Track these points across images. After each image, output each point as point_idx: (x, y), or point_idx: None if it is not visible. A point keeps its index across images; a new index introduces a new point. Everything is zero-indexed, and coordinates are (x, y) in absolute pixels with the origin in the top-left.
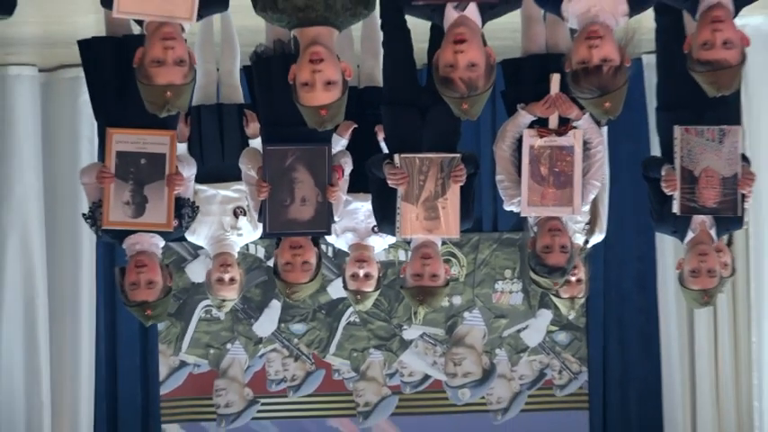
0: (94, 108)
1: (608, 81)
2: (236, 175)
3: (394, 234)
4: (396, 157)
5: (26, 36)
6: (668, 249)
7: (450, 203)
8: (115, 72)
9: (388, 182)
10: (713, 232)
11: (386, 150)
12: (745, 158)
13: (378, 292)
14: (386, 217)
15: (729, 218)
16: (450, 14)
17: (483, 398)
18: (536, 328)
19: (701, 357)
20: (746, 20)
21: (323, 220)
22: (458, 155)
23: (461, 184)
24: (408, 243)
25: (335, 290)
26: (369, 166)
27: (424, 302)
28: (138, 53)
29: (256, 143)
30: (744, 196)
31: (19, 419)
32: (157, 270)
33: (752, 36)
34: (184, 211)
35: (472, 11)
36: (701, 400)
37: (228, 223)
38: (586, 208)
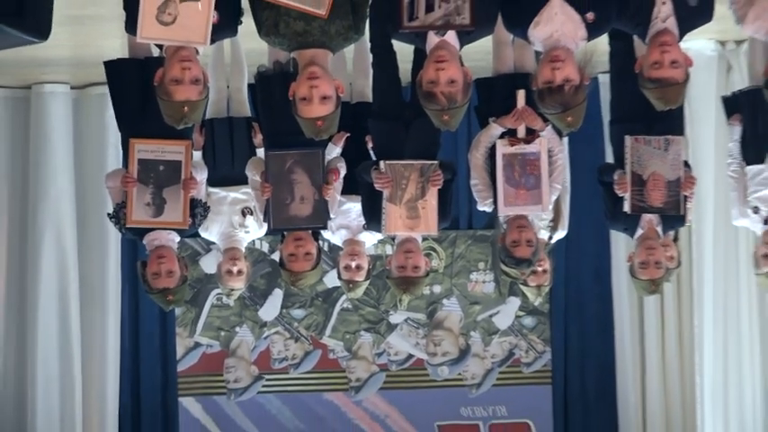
0: (118, 121)
1: (570, 98)
2: (244, 180)
3: (381, 231)
4: (381, 163)
5: (59, 57)
6: (621, 244)
7: (429, 204)
8: (137, 89)
9: (375, 185)
10: (660, 229)
11: (374, 157)
12: (687, 164)
13: (368, 282)
14: (374, 216)
15: (674, 216)
16: (432, 39)
17: (459, 374)
18: (506, 313)
19: (649, 339)
20: (689, 44)
21: (320, 215)
22: (435, 162)
23: (439, 187)
24: (394, 239)
25: (331, 280)
26: (358, 171)
27: (407, 291)
28: (158, 73)
29: (262, 152)
30: (686, 197)
31: (54, 393)
32: (175, 261)
33: (694, 58)
34: (197, 210)
35: (451, 36)
36: (649, 377)
37: (237, 222)
38: (550, 207)
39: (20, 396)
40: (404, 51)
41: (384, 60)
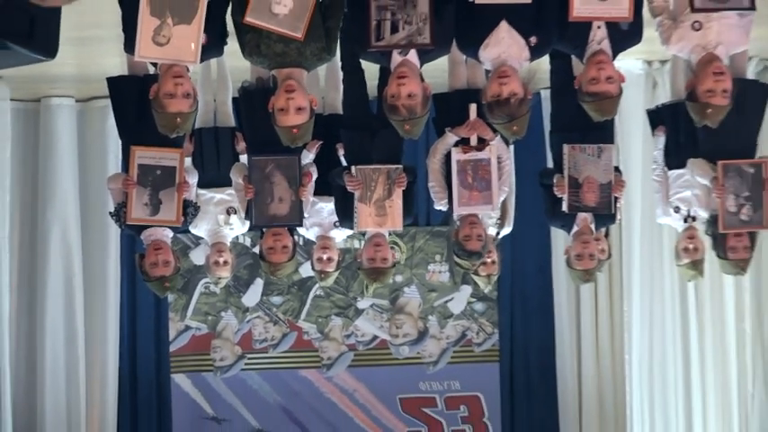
0: (119, 130)
1: (515, 110)
2: (229, 182)
3: (352, 228)
4: (353, 168)
5: (66, 74)
6: (560, 239)
7: (395, 203)
8: (135, 102)
9: (347, 187)
10: (593, 226)
11: (344, 163)
12: (617, 169)
13: (338, 272)
14: (346, 215)
15: (606, 215)
16: (395, 58)
17: (418, 353)
18: (459, 300)
19: (585, 322)
20: (621, 62)
21: (296, 214)
22: (400, 166)
23: (403, 188)
24: (363, 234)
25: (305, 270)
26: (332, 176)
27: (376, 280)
28: (153, 88)
29: (245, 158)
30: (617, 198)
31: (60, 371)
32: (170, 253)
33: (625, 75)
34: (189, 210)
35: (412, 55)
36: (584, 355)
37: (222, 220)
38: (498, 207)
39: (30, 374)
40: (371, 69)
41: (353, 77)
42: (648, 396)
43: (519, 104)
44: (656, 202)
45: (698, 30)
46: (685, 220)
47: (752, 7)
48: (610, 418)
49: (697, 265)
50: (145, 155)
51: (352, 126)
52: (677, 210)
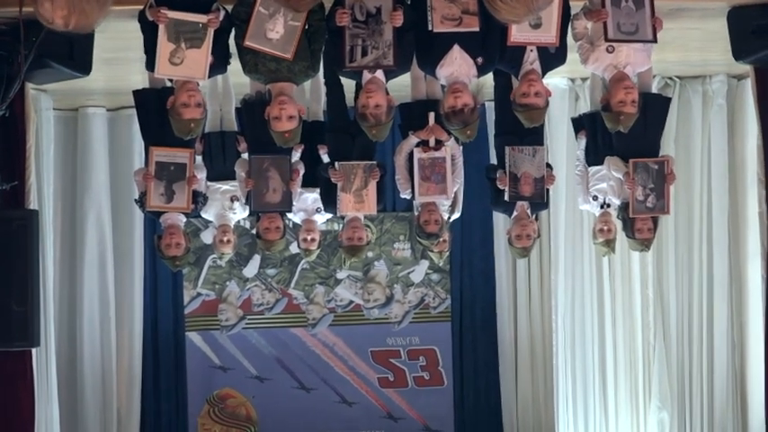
0: (142, 133)
1: (468, 118)
2: (233, 176)
3: (335, 213)
4: (336, 164)
5: (98, 88)
6: (500, 222)
7: (370, 193)
8: (155, 111)
9: (332, 179)
10: (529, 211)
11: (326, 160)
12: (549, 166)
13: (319, 250)
14: (330, 201)
15: (539, 203)
16: (366, 75)
17: (386, 315)
18: (419, 271)
19: (520, 288)
20: (549, 79)
21: (286, 203)
22: (375, 162)
23: (377, 180)
24: (342, 218)
25: (294, 248)
26: (318, 170)
27: (354, 255)
28: (170, 99)
29: (245, 156)
30: (548, 190)
31: (95, 330)
32: (182, 236)
33: (552, 90)
34: (199, 199)
35: (379, 73)
36: (520, 315)
37: (227, 206)
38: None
39: (71, 332)
40: (349, 83)
41: (335, 90)
42: (570, 348)
43: (471, 113)
44: (578, 192)
45: (611, 52)
46: (601, 207)
47: (653, 40)
48: (539, 366)
49: (610, 243)
50: (161, 153)
51: (335, 129)
52: (595, 198)
